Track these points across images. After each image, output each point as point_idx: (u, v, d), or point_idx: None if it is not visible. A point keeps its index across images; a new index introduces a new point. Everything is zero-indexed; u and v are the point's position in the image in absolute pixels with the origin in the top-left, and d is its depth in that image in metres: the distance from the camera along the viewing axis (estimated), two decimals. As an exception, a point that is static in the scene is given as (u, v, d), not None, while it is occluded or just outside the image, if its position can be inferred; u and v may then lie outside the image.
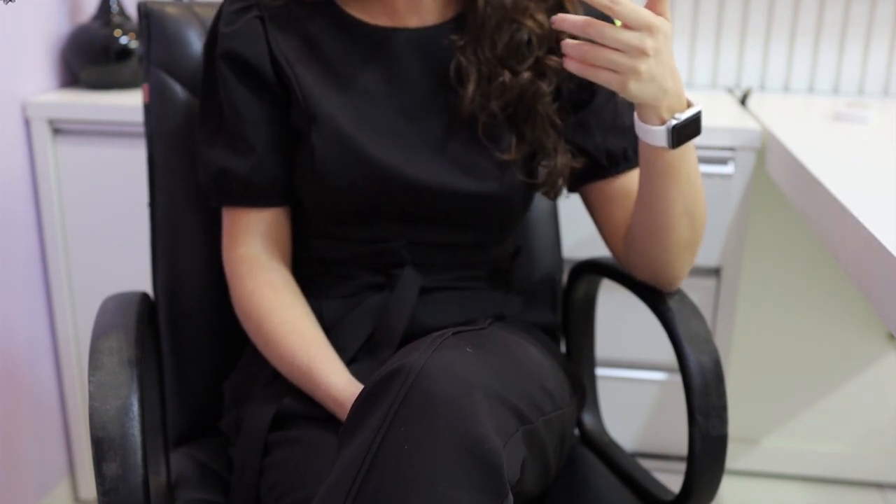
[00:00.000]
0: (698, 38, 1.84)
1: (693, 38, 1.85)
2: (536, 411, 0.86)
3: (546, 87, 0.98)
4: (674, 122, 0.87)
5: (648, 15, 0.81)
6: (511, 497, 0.72)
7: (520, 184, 1.00)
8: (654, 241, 0.97)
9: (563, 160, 1.00)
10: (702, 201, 0.96)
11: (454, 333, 0.79)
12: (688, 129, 0.88)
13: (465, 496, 0.69)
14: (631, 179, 1.03)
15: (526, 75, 0.98)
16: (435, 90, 1.00)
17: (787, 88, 1.85)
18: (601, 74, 0.83)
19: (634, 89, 0.83)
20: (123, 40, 1.66)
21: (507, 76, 0.97)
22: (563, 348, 1.25)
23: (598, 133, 1.02)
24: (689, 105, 0.88)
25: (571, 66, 0.83)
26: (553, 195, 1.04)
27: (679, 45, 1.85)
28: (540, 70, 0.99)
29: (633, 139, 1.02)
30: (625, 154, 1.02)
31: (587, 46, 0.82)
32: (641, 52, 0.81)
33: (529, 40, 0.99)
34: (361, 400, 0.76)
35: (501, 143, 0.99)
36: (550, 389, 0.90)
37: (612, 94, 1.01)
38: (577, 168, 1.02)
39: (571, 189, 1.07)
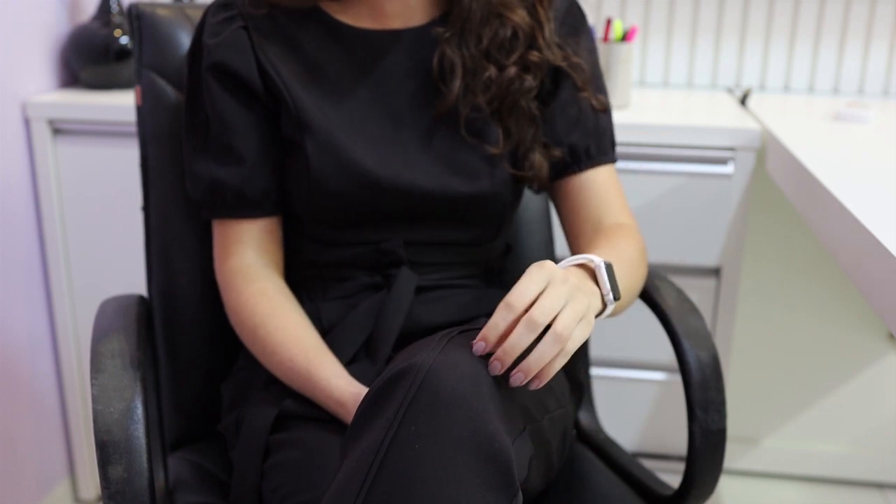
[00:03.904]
0: (698, 38, 1.85)
1: (693, 38, 1.85)
2: (541, 409, 0.86)
3: (531, 81, 0.99)
4: (611, 302, 0.83)
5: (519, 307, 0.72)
6: (521, 495, 0.72)
7: (509, 178, 1.00)
8: None
9: (542, 153, 1.01)
10: (643, 274, 0.98)
11: (460, 332, 0.79)
12: (615, 283, 0.83)
13: (477, 495, 0.69)
14: (592, 177, 1.03)
15: (512, 70, 0.98)
16: (422, 90, 1.00)
17: (787, 88, 1.85)
18: (558, 362, 0.73)
19: (582, 332, 0.75)
20: (123, 40, 1.66)
21: (492, 71, 0.98)
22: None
23: (561, 128, 1.02)
24: (591, 269, 0.84)
25: (535, 384, 0.74)
26: (538, 188, 1.04)
27: (679, 45, 1.85)
28: (524, 65, 0.99)
29: (597, 137, 1.03)
30: (587, 151, 1.02)
31: (527, 365, 0.73)
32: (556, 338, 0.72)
33: (514, 35, 0.99)
34: (369, 400, 0.76)
35: (488, 138, 0.99)
36: (553, 387, 0.90)
37: (575, 91, 1.02)
38: (557, 158, 1.02)
39: (540, 188, 1.06)
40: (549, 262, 0.76)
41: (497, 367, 0.72)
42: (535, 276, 0.74)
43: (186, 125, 1.02)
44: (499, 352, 0.72)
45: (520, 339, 0.71)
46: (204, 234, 1.08)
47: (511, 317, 0.72)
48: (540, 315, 0.71)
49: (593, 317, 0.78)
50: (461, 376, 0.73)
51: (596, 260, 0.83)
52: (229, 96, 0.98)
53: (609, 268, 0.83)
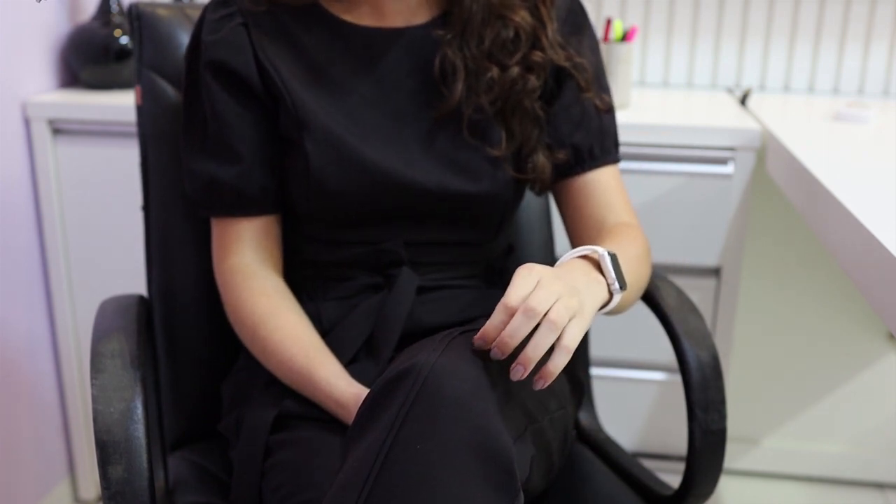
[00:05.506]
0: (698, 38, 1.85)
1: (693, 38, 1.85)
2: (542, 410, 0.86)
3: (534, 81, 0.99)
4: (617, 291, 0.83)
5: (514, 306, 0.73)
6: (522, 496, 0.72)
7: (511, 179, 1.00)
8: None
9: (545, 155, 1.01)
10: (647, 273, 0.99)
11: (461, 333, 0.79)
12: (620, 273, 0.84)
13: (478, 495, 0.69)
14: (596, 178, 1.03)
15: (515, 70, 0.98)
16: (424, 89, 0.99)
17: (787, 88, 1.85)
18: (560, 358, 0.73)
19: (578, 328, 0.74)
20: (123, 40, 1.66)
21: (495, 71, 0.98)
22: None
23: (565, 129, 1.02)
24: (595, 260, 0.85)
25: (539, 384, 0.74)
26: (540, 190, 1.04)
27: (679, 46, 1.85)
28: (527, 65, 0.99)
29: (600, 137, 1.02)
30: (591, 152, 1.02)
31: (525, 358, 0.72)
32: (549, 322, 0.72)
33: (516, 35, 0.99)
34: (370, 401, 0.76)
35: (491, 139, 0.99)
36: (555, 388, 0.90)
37: (579, 91, 1.01)
38: (561, 160, 1.02)
39: (542, 190, 1.06)
40: (536, 265, 0.76)
41: (520, 372, 0.72)
42: (527, 277, 0.74)
43: (184, 123, 1.01)
44: (496, 343, 0.72)
45: (518, 329, 0.72)
46: (204, 233, 1.08)
47: (509, 315, 0.73)
48: (537, 304, 0.72)
49: (589, 314, 0.78)
50: (463, 377, 0.73)
51: (600, 250, 0.84)
52: (227, 94, 0.97)
53: (614, 257, 0.84)
